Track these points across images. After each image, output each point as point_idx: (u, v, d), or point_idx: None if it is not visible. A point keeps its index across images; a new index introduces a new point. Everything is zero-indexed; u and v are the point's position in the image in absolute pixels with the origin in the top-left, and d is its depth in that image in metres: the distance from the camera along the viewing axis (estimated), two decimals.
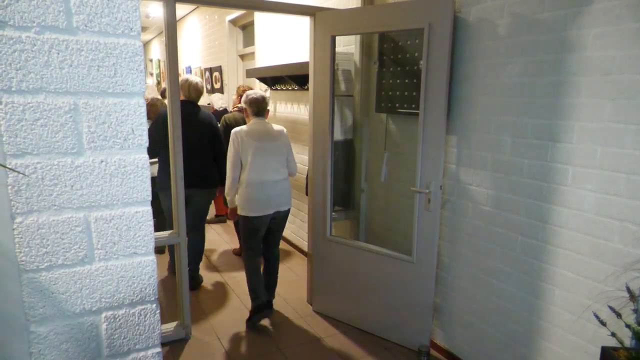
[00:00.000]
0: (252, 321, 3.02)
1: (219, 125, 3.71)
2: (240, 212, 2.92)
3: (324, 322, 3.12)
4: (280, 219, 3.03)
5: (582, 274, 1.93)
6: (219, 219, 5.36)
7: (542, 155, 2.05)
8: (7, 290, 0.68)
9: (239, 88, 4.38)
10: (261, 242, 3.03)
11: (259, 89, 4.82)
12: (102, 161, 0.72)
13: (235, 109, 4.22)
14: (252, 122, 2.95)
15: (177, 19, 4.76)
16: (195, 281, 3.62)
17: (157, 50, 10.57)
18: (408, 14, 2.48)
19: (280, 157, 2.96)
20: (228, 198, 2.98)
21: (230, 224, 5.04)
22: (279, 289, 3.42)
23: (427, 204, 2.53)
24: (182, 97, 3.28)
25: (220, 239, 4.84)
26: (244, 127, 2.92)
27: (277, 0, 2.87)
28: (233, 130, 2.89)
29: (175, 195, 2.69)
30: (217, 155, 3.50)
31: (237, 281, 3.78)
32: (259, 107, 2.94)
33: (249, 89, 3.56)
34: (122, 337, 0.78)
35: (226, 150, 2.99)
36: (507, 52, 2.15)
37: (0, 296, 0.68)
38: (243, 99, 3.04)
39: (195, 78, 3.57)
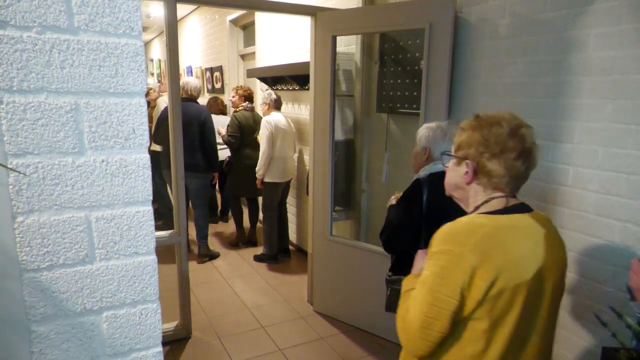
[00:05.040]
0: (260, 258, 4.17)
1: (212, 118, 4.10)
2: (267, 179, 3.92)
3: (325, 322, 3.12)
4: (289, 185, 4.15)
5: (583, 275, 1.93)
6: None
7: (543, 156, 2.04)
8: (8, 290, 0.68)
9: (238, 89, 4.40)
10: (278, 204, 4.06)
11: (260, 89, 4.85)
12: (103, 161, 0.72)
13: (241, 107, 4.28)
14: (273, 114, 3.92)
15: (178, 19, 4.76)
16: (205, 250, 4.21)
17: (157, 50, 10.57)
18: (409, 14, 2.48)
19: (292, 140, 4.01)
20: (261, 171, 3.88)
21: (230, 225, 5.08)
22: (280, 290, 3.52)
23: None
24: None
25: (222, 240, 4.85)
26: (271, 116, 3.88)
27: (278, 1, 2.87)
28: (265, 119, 3.85)
29: (175, 194, 2.69)
30: (204, 144, 3.94)
31: (238, 281, 3.78)
32: (278, 104, 3.98)
33: (247, 89, 4.38)
34: (123, 337, 0.78)
35: (215, 144, 4.01)
36: (508, 52, 2.15)
37: (1, 296, 0.68)
38: (268, 97, 3.94)
39: (185, 79, 4.00)
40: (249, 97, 4.33)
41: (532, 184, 2.10)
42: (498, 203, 1.13)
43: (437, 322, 1.03)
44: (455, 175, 1.20)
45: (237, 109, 4.31)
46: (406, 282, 1.20)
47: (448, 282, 1.02)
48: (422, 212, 1.64)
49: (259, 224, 4.92)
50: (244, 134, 4.14)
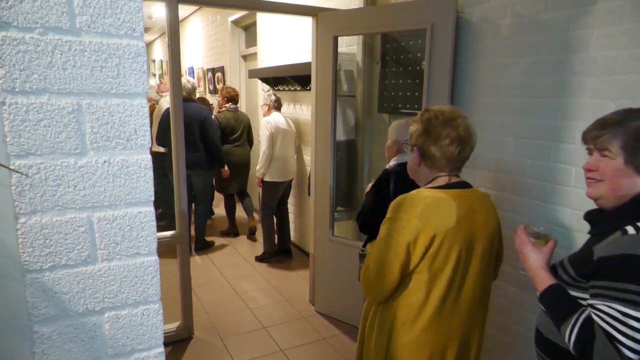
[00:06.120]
0: (262, 258, 4.17)
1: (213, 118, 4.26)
2: (267, 178, 3.95)
3: (326, 322, 3.12)
4: (290, 185, 4.18)
5: None
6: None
7: (545, 156, 2.04)
8: (11, 291, 0.69)
9: (222, 90, 4.60)
10: (277, 204, 4.08)
11: (261, 89, 4.87)
12: (105, 162, 0.72)
13: (224, 108, 4.47)
14: (274, 114, 3.98)
15: (180, 19, 4.78)
16: (202, 243, 4.45)
17: (159, 51, 10.59)
18: (410, 14, 2.48)
19: (292, 140, 4.06)
20: (261, 170, 3.93)
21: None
22: (281, 290, 3.53)
23: None
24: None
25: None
26: (271, 117, 3.93)
27: (279, 1, 2.87)
28: (265, 119, 3.92)
29: (177, 195, 2.69)
30: (205, 142, 4.06)
31: (239, 282, 3.78)
32: (278, 104, 4.04)
33: (231, 91, 4.50)
34: (125, 337, 0.78)
35: (217, 141, 4.12)
36: (510, 52, 2.15)
37: (3, 296, 0.68)
38: (268, 98, 4.00)
39: (182, 80, 4.07)
40: (231, 98, 4.49)
41: (534, 184, 2.09)
42: (441, 180, 1.39)
43: (389, 273, 1.29)
44: (410, 160, 1.48)
45: (221, 110, 4.51)
46: (369, 247, 1.44)
47: (397, 241, 1.27)
48: (389, 198, 1.78)
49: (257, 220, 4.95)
50: (224, 134, 4.37)
